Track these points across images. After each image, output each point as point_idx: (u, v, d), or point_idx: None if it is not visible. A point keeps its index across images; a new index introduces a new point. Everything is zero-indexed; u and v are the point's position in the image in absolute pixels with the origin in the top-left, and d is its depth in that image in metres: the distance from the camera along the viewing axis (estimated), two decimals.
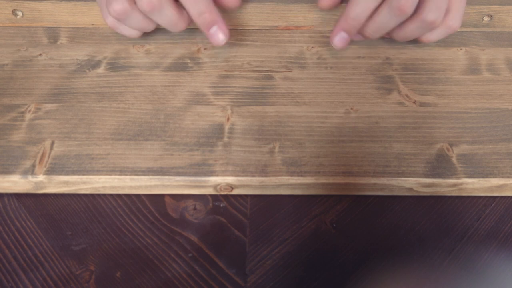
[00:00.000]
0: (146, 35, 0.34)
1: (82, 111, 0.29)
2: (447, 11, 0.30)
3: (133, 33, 0.33)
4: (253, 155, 0.27)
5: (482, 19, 0.37)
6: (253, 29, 0.37)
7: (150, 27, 0.32)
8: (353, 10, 0.30)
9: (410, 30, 0.31)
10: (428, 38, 0.33)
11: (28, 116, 0.29)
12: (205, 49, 0.35)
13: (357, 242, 0.25)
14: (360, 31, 0.32)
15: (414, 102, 0.31)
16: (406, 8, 0.28)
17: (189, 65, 0.33)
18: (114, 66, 0.33)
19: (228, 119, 0.29)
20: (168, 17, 0.30)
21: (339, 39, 0.32)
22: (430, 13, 0.29)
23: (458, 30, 0.37)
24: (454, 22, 0.31)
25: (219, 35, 0.31)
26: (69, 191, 0.27)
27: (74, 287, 0.23)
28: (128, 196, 0.27)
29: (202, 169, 0.26)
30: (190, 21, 0.31)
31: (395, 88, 0.32)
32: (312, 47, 0.35)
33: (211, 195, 0.27)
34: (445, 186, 0.26)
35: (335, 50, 0.34)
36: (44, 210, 0.26)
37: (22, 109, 0.29)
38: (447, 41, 0.36)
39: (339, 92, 0.31)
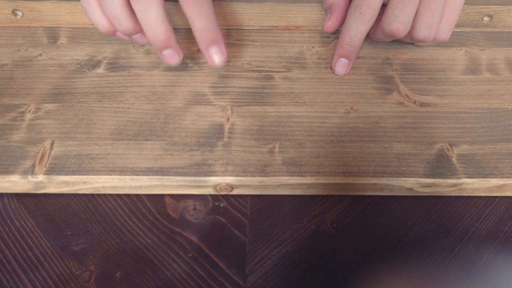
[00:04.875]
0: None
1: (82, 111, 0.29)
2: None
3: (103, 21, 0.30)
4: (253, 155, 0.27)
5: (482, 19, 0.37)
6: (253, 29, 0.37)
7: (124, 21, 0.28)
8: (347, 36, 0.31)
9: (403, 39, 0.33)
10: (417, 44, 0.34)
11: (28, 116, 0.29)
12: None
13: (357, 242, 0.25)
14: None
15: (414, 102, 0.31)
16: (398, 33, 0.30)
17: (189, 65, 0.33)
18: (114, 66, 0.33)
19: (228, 119, 0.29)
20: (153, 14, 0.27)
21: (340, 66, 0.32)
22: (421, 33, 0.30)
23: (458, 30, 0.37)
24: (441, 35, 0.32)
25: (218, 56, 0.30)
26: (69, 191, 0.27)
27: (74, 287, 0.23)
28: (128, 196, 0.27)
29: (202, 169, 0.26)
30: (172, 36, 0.29)
31: (395, 88, 0.32)
32: (312, 47, 0.35)
33: (211, 195, 0.27)
34: (445, 186, 0.26)
35: (338, 75, 0.33)
36: (44, 210, 0.26)
37: (22, 109, 0.29)
38: (447, 41, 0.36)
39: (339, 92, 0.31)
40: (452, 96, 0.31)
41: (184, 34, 0.36)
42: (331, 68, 0.33)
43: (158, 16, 0.27)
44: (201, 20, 0.28)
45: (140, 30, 0.29)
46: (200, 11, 0.28)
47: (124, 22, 0.29)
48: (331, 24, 0.33)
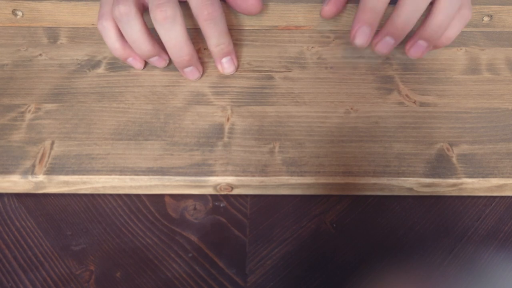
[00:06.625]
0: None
1: (82, 111, 0.29)
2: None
3: (117, 46, 0.30)
4: (253, 155, 0.27)
5: (482, 19, 0.37)
6: (253, 29, 0.37)
7: (143, 45, 0.29)
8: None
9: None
10: (451, 34, 0.31)
11: (28, 116, 0.29)
12: (205, 49, 0.35)
13: (357, 242, 0.25)
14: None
15: (414, 102, 0.31)
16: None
17: None
18: (114, 66, 0.33)
19: (228, 119, 0.29)
20: (177, 36, 0.28)
21: (362, 35, 0.29)
22: (439, 17, 0.28)
23: None
24: (465, 11, 0.30)
25: (229, 65, 0.32)
26: (69, 191, 0.27)
27: (74, 287, 0.23)
28: (128, 196, 0.27)
29: (202, 169, 0.26)
30: (194, 54, 0.30)
31: (395, 88, 0.32)
32: (312, 47, 0.35)
33: (211, 195, 0.27)
34: (445, 186, 0.26)
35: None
36: (44, 210, 0.26)
37: (22, 109, 0.29)
38: None
39: (339, 92, 0.31)
40: (452, 96, 0.31)
41: None
42: (331, 67, 0.33)
43: (181, 38, 0.29)
44: (216, 36, 0.30)
45: (157, 53, 0.31)
46: (214, 27, 0.30)
47: (143, 46, 0.30)
48: (328, 9, 0.32)
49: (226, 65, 0.32)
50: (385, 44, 0.30)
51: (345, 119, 0.29)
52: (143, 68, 0.32)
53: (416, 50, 0.30)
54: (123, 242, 0.25)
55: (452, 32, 0.31)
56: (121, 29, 0.29)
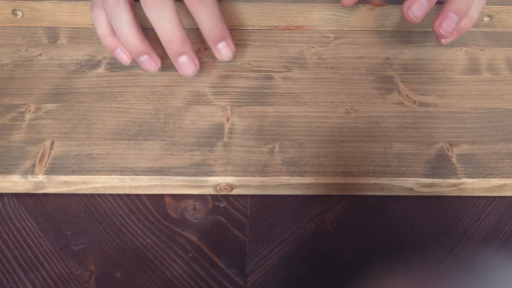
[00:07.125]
0: (145, 34, 0.34)
1: (82, 111, 0.29)
2: None
3: (106, 33, 0.30)
4: (253, 155, 0.27)
5: (482, 19, 0.37)
6: (253, 29, 0.37)
7: (131, 38, 0.29)
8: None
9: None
10: (473, 13, 0.32)
11: (28, 116, 0.29)
12: (205, 49, 0.35)
13: (357, 242, 0.25)
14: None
15: (414, 102, 0.31)
16: None
17: None
18: (114, 66, 0.33)
19: (228, 119, 0.29)
20: (167, 19, 0.28)
21: (417, 5, 0.29)
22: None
23: None
24: (473, 12, 0.31)
25: (226, 50, 0.31)
26: (69, 191, 0.27)
27: (74, 287, 0.23)
28: (128, 196, 0.27)
29: (202, 169, 0.26)
30: (187, 41, 0.29)
31: (395, 88, 0.32)
32: (312, 47, 0.35)
33: (211, 195, 0.27)
34: (445, 186, 0.26)
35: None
36: (44, 210, 0.26)
37: (22, 109, 0.29)
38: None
39: (339, 92, 0.31)
40: (452, 96, 0.31)
41: None
42: (331, 67, 0.33)
43: (173, 21, 0.28)
44: (207, 19, 0.29)
45: (146, 50, 0.30)
46: (205, 10, 0.29)
47: (131, 39, 0.29)
48: None
49: (222, 51, 0.31)
50: (419, 5, 0.29)
51: (345, 119, 0.29)
52: (130, 63, 0.31)
53: (448, 23, 0.29)
54: (123, 242, 0.25)
55: (475, 11, 0.31)
56: (110, 22, 0.29)
